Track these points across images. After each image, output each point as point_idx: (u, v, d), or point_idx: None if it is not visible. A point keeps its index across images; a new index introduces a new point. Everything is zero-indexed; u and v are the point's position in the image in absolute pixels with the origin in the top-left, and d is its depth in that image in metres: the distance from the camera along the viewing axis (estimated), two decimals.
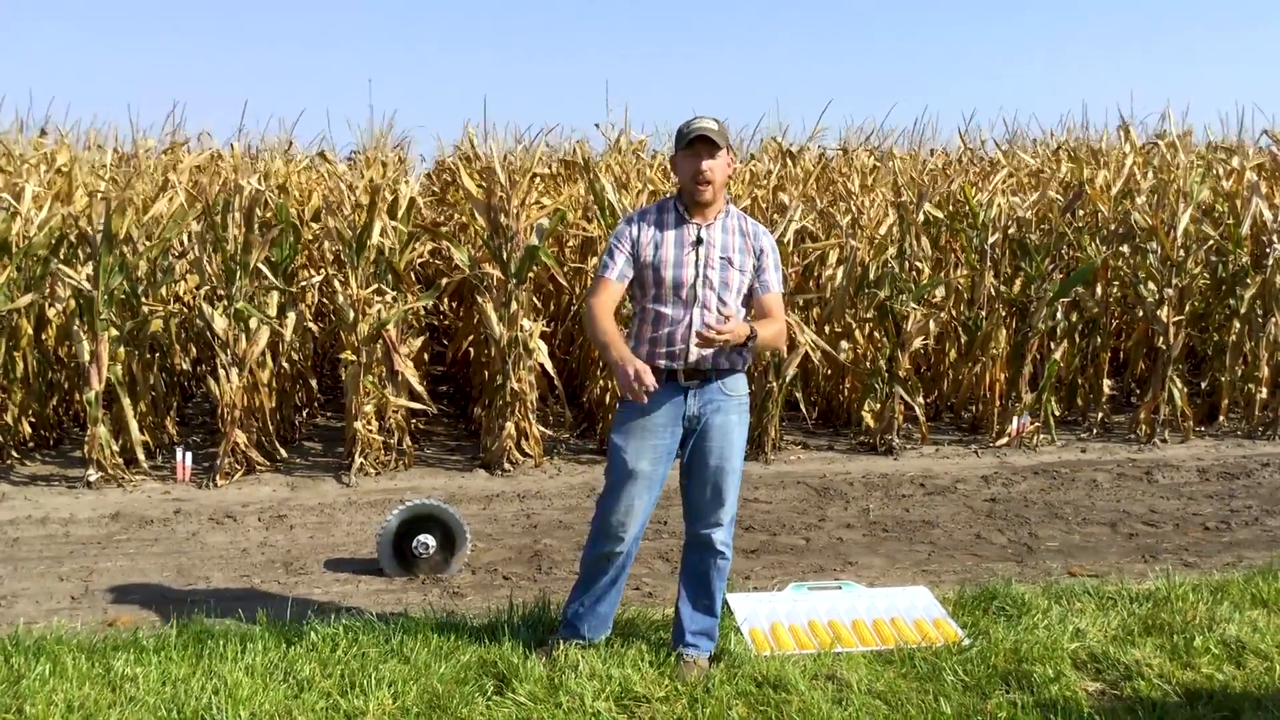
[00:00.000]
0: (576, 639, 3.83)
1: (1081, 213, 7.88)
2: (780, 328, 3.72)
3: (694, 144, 3.55)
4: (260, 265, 6.66)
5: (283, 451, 7.06)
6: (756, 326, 3.56)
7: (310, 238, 7.47)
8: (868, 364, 7.52)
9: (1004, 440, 7.59)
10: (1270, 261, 7.74)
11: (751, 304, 3.71)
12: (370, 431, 6.71)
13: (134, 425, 6.54)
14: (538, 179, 7.48)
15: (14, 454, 6.80)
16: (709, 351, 3.55)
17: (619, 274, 3.66)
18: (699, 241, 3.58)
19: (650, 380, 3.36)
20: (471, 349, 7.89)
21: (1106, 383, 8.21)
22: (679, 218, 3.64)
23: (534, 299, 7.25)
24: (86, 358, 6.32)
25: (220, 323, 6.50)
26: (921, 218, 7.50)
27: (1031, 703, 3.50)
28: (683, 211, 3.65)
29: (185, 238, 7.08)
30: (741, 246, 3.63)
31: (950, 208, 8.05)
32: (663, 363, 3.57)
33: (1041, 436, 7.65)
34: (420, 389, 6.92)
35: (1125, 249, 7.85)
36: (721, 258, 3.59)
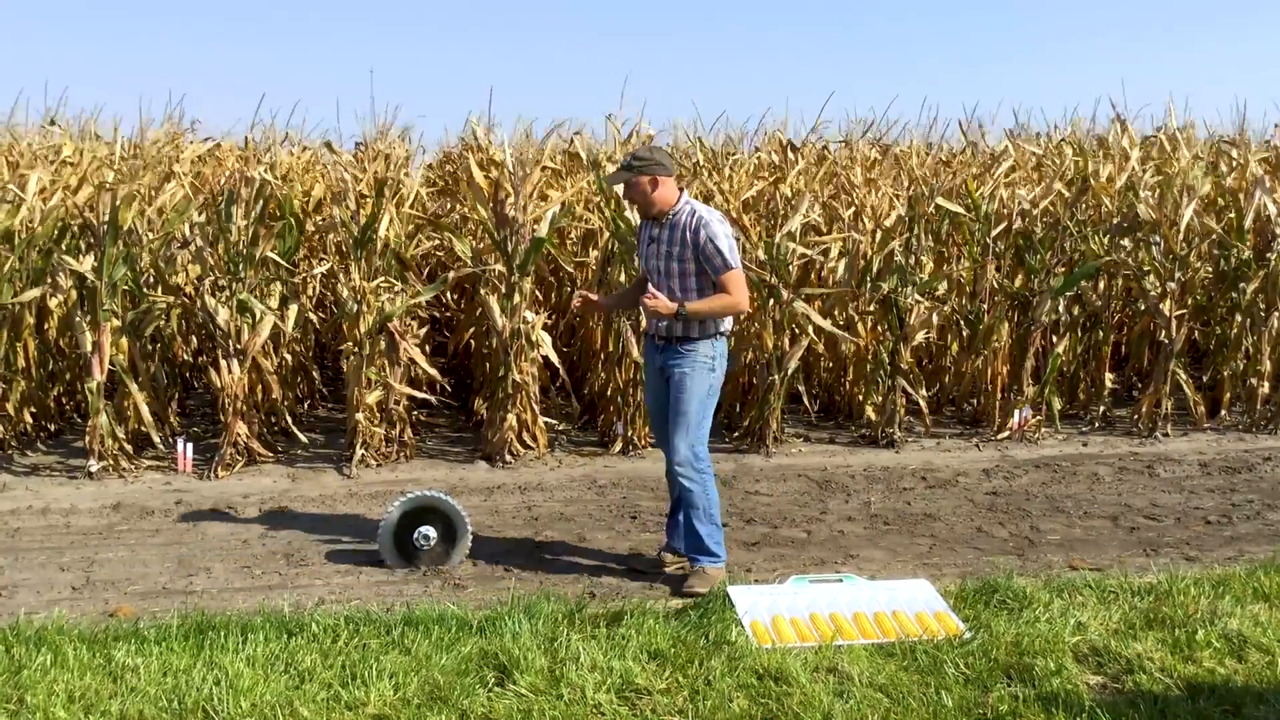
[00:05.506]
0: (668, 549, 4.98)
1: (1085, 205, 7.86)
2: (723, 300, 4.55)
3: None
4: (270, 255, 6.65)
5: (298, 437, 7.06)
6: (688, 303, 4.51)
7: (312, 229, 7.45)
8: (870, 356, 7.51)
9: (1005, 434, 7.58)
10: (1273, 255, 7.72)
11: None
12: (372, 423, 6.71)
13: (144, 409, 6.54)
14: (546, 171, 7.46)
15: (15, 444, 6.80)
16: (663, 321, 4.58)
17: (637, 264, 5.07)
18: (653, 240, 4.66)
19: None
20: (473, 341, 7.89)
21: (1108, 376, 8.19)
22: (651, 222, 4.69)
23: (535, 291, 7.23)
24: (89, 348, 6.32)
25: (223, 314, 6.49)
26: (932, 209, 7.47)
27: (1033, 696, 3.51)
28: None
29: (188, 228, 7.07)
30: (683, 240, 4.54)
31: (955, 200, 8.02)
32: (649, 325, 4.79)
33: (1043, 430, 7.65)
34: (431, 371, 6.94)
35: (1127, 242, 7.83)
36: (666, 251, 4.60)
